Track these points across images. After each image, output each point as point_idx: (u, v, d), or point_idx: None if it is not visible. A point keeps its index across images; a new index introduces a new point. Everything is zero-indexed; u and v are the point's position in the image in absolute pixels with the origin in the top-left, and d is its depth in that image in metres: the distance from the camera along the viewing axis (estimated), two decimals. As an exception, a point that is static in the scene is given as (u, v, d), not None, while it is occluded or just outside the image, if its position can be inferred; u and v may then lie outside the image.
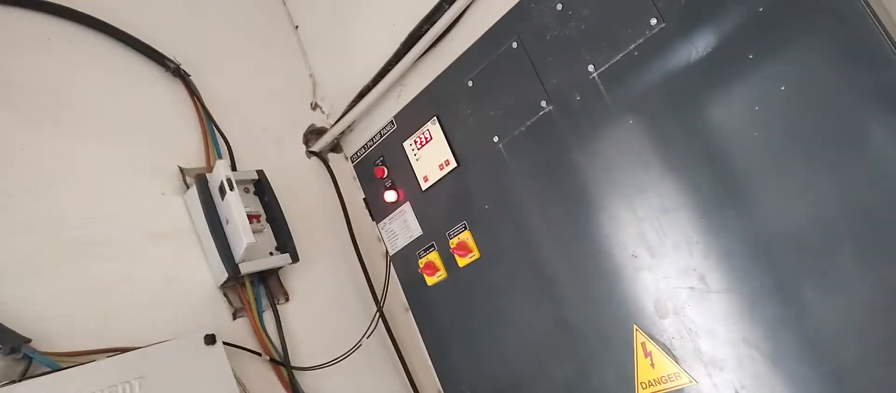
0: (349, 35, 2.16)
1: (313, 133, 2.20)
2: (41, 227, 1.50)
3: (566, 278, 1.30)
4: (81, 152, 1.64)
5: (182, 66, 1.91)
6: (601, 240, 1.23)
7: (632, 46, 1.13)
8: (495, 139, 1.37)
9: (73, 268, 1.50)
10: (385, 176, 1.62)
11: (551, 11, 1.24)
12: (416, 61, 1.86)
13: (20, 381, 1.26)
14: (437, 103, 1.48)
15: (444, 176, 1.48)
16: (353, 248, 2.07)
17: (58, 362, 1.33)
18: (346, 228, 2.09)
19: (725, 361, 1.12)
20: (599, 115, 1.19)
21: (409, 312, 2.14)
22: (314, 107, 2.25)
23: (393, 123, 1.59)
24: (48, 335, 1.38)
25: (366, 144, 1.67)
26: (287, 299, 1.87)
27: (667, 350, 1.18)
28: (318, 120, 2.23)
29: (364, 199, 1.69)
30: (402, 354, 2.01)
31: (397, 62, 1.93)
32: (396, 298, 2.13)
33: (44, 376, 1.27)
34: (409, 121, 1.55)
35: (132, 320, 1.54)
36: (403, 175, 1.58)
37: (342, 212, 2.10)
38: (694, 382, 1.16)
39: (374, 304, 2.01)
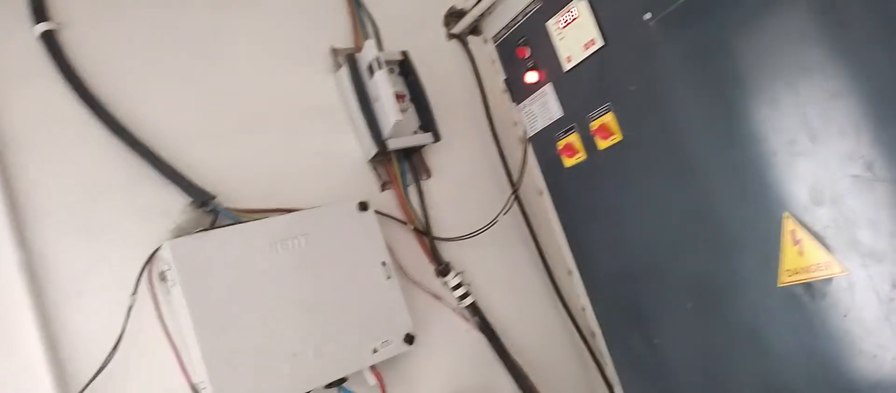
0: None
1: (453, 15, 2.21)
2: (215, 101, 1.68)
3: (713, 163, 1.27)
4: (245, 34, 1.80)
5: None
6: (757, 124, 1.18)
7: None
8: (647, 16, 1.31)
9: (243, 137, 1.69)
10: (527, 56, 1.62)
11: None
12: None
13: (211, 228, 1.47)
14: (586, -21, 1.43)
15: (589, 56, 1.46)
16: (490, 130, 2.12)
17: (238, 217, 1.53)
18: (484, 111, 2.14)
19: (885, 253, 1.06)
20: (773, -11, 1.11)
21: (543, 195, 2.20)
22: (455, -12, 2.25)
23: (537, 2, 1.57)
24: (227, 193, 1.58)
25: (508, 25, 1.66)
26: (429, 176, 1.99)
27: (819, 239, 1.14)
28: (459, 1, 2.24)
29: (505, 79, 1.71)
30: (535, 233, 2.09)
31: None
32: (531, 181, 2.18)
33: (230, 226, 1.47)
34: (554, -1, 1.52)
35: (294, 187, 1.72)
36: (546, 56, 1.57)
37: (480, 95, 2.14)
38: (846, 272, 1.12)
39: (509, 185, 2.08)
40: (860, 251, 1.09)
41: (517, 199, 2.06)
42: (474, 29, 2.22)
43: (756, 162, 1.20)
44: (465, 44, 2.18)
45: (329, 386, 1.49)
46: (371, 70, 1.75)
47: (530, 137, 1.67)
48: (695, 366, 1.42)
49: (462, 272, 1.91)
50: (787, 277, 1.20)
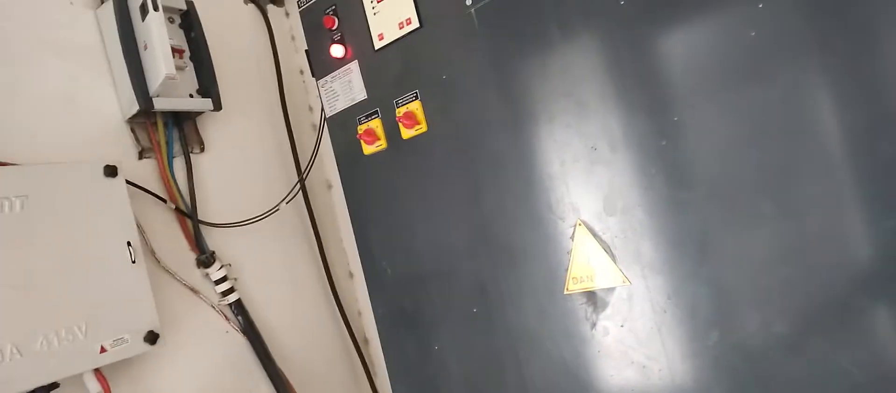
0: None
1: (254, -21, 1.98)
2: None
3: (515, 164, 1.23)
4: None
5: None
6: (562, 128, 1.17)
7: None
8: (468, 2, 1.25)
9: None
10: (335, 27, 1.46)
11: None
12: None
13: None
14: (408, -47, 1.33)
15: (403, 36, 1.35)
16: (281, 110, 1.92)
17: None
18: (277, 88, 1.93)
19: (664, 265, 1.10)
20: (589, -11, 1.10)
21: (333, 189, 2.04)
22: (260, -49, 2.02)
23: (353, -31, 1.43)
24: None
25: (318, -11, 1.49)
26: (202, 149, 1.71)
27: (607, 248, 1.15)
28: (261, -35, 2.01)
29: (306, 50, 1.53)
30: (318, 229, 1.92)
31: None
32: (321, 174, 2.02)
33: None
34: (372, -31, 1.39)
35: (21, 137, 1.35)
36: (356, 30, 1.43)
37: (275, 69, 1.93)
38: (627, 283, 1.14)
39: (296, 172, 1.88)
40: (642, 262, 1.12)
41: (303, 188, 1.87)
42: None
43: (556, 166, 1.18)
44: (263, 11, 1.96)
45: (33, 393, 1.14)
46: (144, 10, 1.44)
47: (328, 118, 1.50)
48: (471, 372, 1.36)
49: (228, 265, 1.66)
50: (574, 284, 1.19)
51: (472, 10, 1.25)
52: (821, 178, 0.94)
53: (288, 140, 1.93)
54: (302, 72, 2.07)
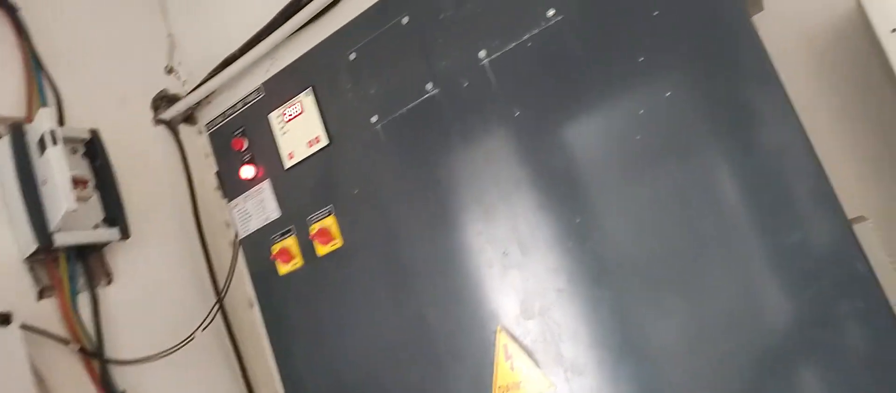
0: (218, -1, 1.97)
1: (164, 99, 1.96)
2: None
3: (432, 273, 1.23)
4: None
5: (9, -3, 1.62)
6: (473, 235, 1.18)
7: (526, 36, 1.10)
8: (374, 119, 1.27)
9: None
10: (244, 149, 1.46)
11: (448, -10, 1.18)
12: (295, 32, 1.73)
13: None
14: (314, 74, 1.36)
15: (313, 154, 1.36)
16: (196, 230, 1.86)
17: None
18: (191, 208, 1.88)
19: (586, 365, 1.10)
20: (486, 104, 1.15)
21: (254, 307, 1.97)
22: (169, 71, 2.02)
23: (260, 91, 1.44)
24: None
25: (225, 112, 1.50)
26: (109, 281, 1.63)
27: (528, 353, 1.15)
28: (173, 86, 2.00)
29: (217, 173, 1.51)
30: (241, 352, 1.83)
31: (272, 31, 1.78)
32: (240, 291, 1.94)
33: None
34: (279, 90, 1.41)
35: None
36: (265, 150, 1.43)
37: (188, 190, 1.89)
38: (553, 387, 1.13)
39: (213, 293, 1.81)
40: (564, 365, 1.12)
41: (222, 310, 1.80)
42: (189, 117, 2.00)
43: (473, 273, 1.19)
44: (175, 132, 1.93)
45: None
46: (42, 145, 1.40)
47: (242, 240, 1.47)
48: None
49: (136, 407, 1.55)
50: (501, 393, 1.17)
51: (379, 126, 1.27)
52: (718, 264, 0.97)
53: (204, 261, 1.86)
54: (217, 189, 2.04)
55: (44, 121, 1.40)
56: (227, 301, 1.80)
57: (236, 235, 1.53)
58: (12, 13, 1.62)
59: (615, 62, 1.03)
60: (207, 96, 1.98)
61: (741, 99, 0.94)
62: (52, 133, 1.40)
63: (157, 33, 2.05)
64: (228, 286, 1.78)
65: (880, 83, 1.13)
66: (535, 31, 1.10)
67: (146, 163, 1.84)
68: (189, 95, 1.95)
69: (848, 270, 0.86)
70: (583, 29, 1.06)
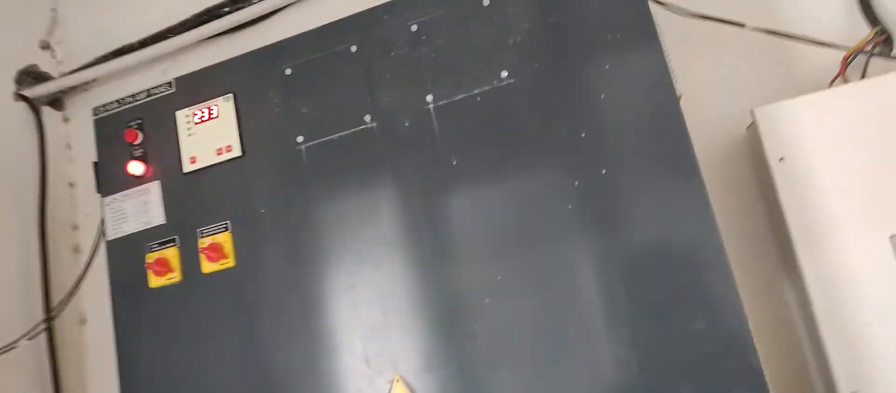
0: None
1: (31, 75, 1.74)
2: None
3: (333, 310, 1.15)
4: None
5: None
6: (388, 277, 1.14)
7: (476, 91, 1.13)
8: (300, 139, 1.21)
9: None
10: (136, 142, 1.31)
11: (404, 30, 1.19)
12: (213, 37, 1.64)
13: None
14: (239, 80, 1.28)
15: (220, 162, 1.25)
16: (37, 227, 1.62)
17: None
18: (38, 201, 1.64)
19: (481, 427, 1.08)
20: (425, 146, 1.14)
21: (85, 324, 1.72)
22: (45, 47, 1.81)
23: (170, 86, 1.32)
24: None
25: (123, 99, 1.34)
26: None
27: (424, 408, 1.10)
28: (46, 63, 1.78)
29: (95, 163, 1.33)
30: (60, 377, 1.57)
31: (182, 32, 1.68)
32: (72, 305, 1.69)
33: None
34: (193, 89, 1.30)
35: None
36: (163, 148, 1.29)
37: (39, 180, 1.65)
38: (443, 447, 1.09)
39: (41, 300, 1.56)
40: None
41: (49, 323, 1.54)
42: (55, 101, 1.78)
43: (379, 317, 1.13)
44: (37, 112, 1.71)
45: None
46: None
47: (110, 241, 1.29)
48: None
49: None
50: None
51: (303, 147, 1.21)
52: (625, 341, 1.02)
53: (39, 262, 1.61)
54: (72, 185, 1.79)
55: None
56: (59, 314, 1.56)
57: (101, 238, 1.34)
58: None
59: (559, 132, 1.09)
60: (86, 83, 1.79)
61: (667, 188, 1.02)
62: None
63: (39, 3, 1.83)
64: (70, 299, 1.53)
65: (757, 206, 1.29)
66: (487, 88, 1.13)
67: (-4, 138, 1.59)
68: (66, 77, 1.75)
69: (743, 361, 0.94)
70: (532, 95, 1.11)
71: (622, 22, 1.10)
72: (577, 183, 1.07)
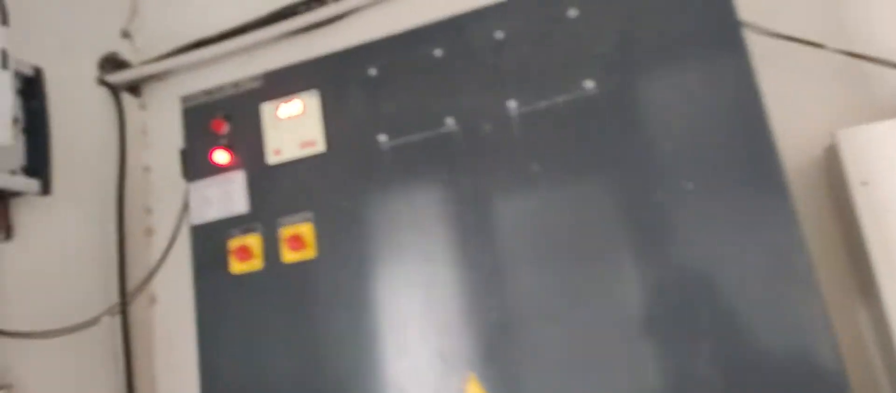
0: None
1: (112, 62, 1.81)
2: None
3: (413, 307, 1.19)
4: None
5: None
6: (470, 281, 1.17)
7: (560, 99, 1.16)
8: (383, 138, 1.25)
9: None
10: (223, 133, 1.36)
11: (488, 36, 1.22)
12: (291, 35, 1.69)
13: None
14: (325, 78, 1.32)
15: (304, 157, 1.30)
16: (115, 208, 1.69)
17: None
18: (116, 184, 1.71)
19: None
20: (506, 152, 1.17)
21: (155, 304, 1.78)
22: (125, 35, 1.87)
23: (259, 80, 1.37)
24: None
25: (209, 90, 1.40)
26: (7, 237, 1.41)
27: (501, 397, 1.13)
28: (126, 51, 1.85)
29: (182, 151, 1.39)
30: (131, 354, 1.64)
31: (258, 27, 1.73)
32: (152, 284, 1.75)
33: None
34: (280, 84, 1.35)
35: None
36: (248, 139, 1.34)
37: (118, 163, 1.72)
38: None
39: (117, 279, 1.62)
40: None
41: (124, 303, 1.60)
42: (133, 87, 1.85)
43: (455, 316, 1.16)
44: (117, 97, 1.77)
45: None
46: (-11, 65, 1.22)
47: (195, 226, 1.34)
48: None
49: (9, 387, 1.33)
50: (457, 441, 1.14)
51: (386, 146, 1.25)
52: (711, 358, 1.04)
53: (116, 243, 1.67)
54: (146, 169, 1.86)
55: None
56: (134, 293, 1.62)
57: (180, 223, 1.40)
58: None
59: (643, 144, 1.11)
60: (162, 73, 1.85)
61: (755, 204, 1.04)
62: (4, 55, 1.23)
63: (122, -7, 1.90)
64: (151, 278, 1.60)
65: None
66: (570, 97, 1.15)
67: (78, 121, 1.65)
68: (146, 65, 1.81)
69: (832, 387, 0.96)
70: (616, 107, 1.13)
71: (711, 38, 1.11)
72: (660, 196, 1.09)
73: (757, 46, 1.30)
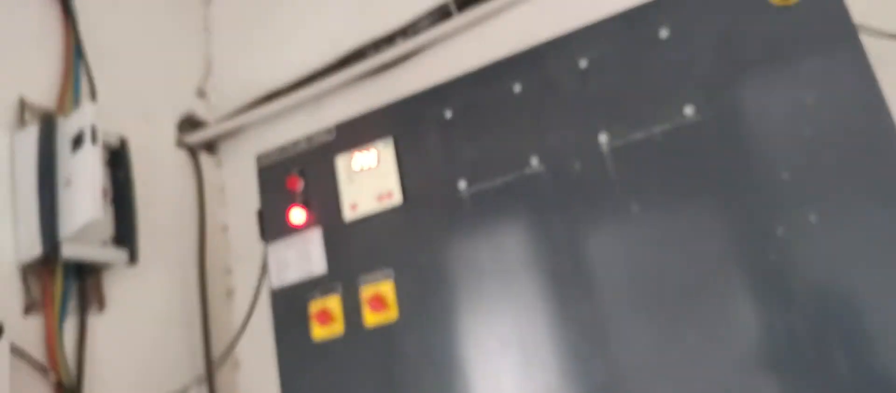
0: (272, 32, 1.88)
1: (189, 122, 1.83)
2: None
3: (503, 370, 1.09)
4: None
5: (66, -20, 1.49)
6: (569, 336, 1.06)
7: (657, 129, 1.04)
8: (462, 185, 1.17)
9: None
10: (298, 190, 1.32)
11: (571, 66, 1.12)
12: (360, 79, 1.65)
13: None
14: (399, 125, 1.26)
15: (381, 210, 1.24)
16: (197, 272, 1.68)
17: None
18: (197, 247, 1.71)
19: None
20: (600, 192, 1.06)
21: (239, 368, 1.76)
22: (201, 94, 1.89)
23: (331, 132, 1.33)
24: None
25: (284, 147, 1.37)
26: (101, 308, 1.42)
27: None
28: (201, 109, 1.87)
29: (259, 211, 1.36)
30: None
31: (325, 76, 1.71)
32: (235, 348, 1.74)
33: None
34: (353, 134, 1.30)
35: None
36: (324, 195, 1.30)
37: (198, 225, 1.72)
38: None
39: (202, 344, 1.61)
40: None
41: (210, 369, 1.59)
42: (210, 146, 1.86)
43: (557, 378, 1.06)
44: (195, 158, 1.79)
45: None
46: (78, 142, 1.24)
47: (275, 290, 1.31)
48: None
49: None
50: None
51: (466, 193, 1.17)
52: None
53: (199, 306, 1.67)
54: (225, 229, 1.86)
55: (87, 116, 1.25)
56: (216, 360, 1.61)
57: (261, 285, 1.37)
58: (65, -2, 1.48)
59: (756, 174, 0.97)
60: (235, 130, 1.86)
61: (891, 236, 0.89)
62: (94, 130, 1.25)
63: (196, 52, 1.93)
64: (236, 343, 1.58)
65: None
66: (669, 127, 1.04)
67: (159, 186, 1.67)
68: (221, 124, 1.82)
69: None
70: (723, 133, 1.00)
71: (824, 48, 0.97)
72: (780, 231, 0.95)
73: (872, 50, 1.14)
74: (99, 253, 1.33)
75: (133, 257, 1.41)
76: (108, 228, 1.41)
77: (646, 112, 1.06)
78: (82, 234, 1.26)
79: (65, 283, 1.32)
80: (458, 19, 1.53)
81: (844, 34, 0.97)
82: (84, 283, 1.38)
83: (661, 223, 1.02)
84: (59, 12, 1.47)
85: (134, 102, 1.66)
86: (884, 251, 0.90)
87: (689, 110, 1.03)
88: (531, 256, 1.10)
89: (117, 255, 1.38)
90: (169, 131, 1.77)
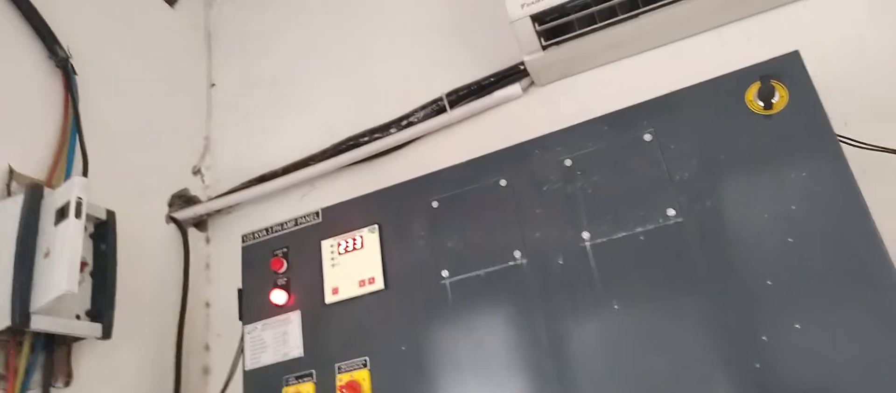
0: (270, 117, 1.93)
1: (182, 198, 1.84)
2: None
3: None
4: None
5: (72, 61, 1.54)
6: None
7: (639, 229, 1.05)
8: (445, 274, 1.17)
9: None
10: (281, 271, 1.31)
11: (556, 164, 1.14)
12: (352, 165, 1.68)
13: None
14: (386, 211, 1.27)
15: (362, 295, 1.22)
16: (174, 348, 1.64)
17: None
18: (177, 322, 1.67)
19: None
20: (581, 287, 1.06)
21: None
22: (196, 172, 1.91)
23: (317, 215, 1.33)
24: None
25: (271, 227, 1.37)
26: (67, 383, 1.38)
27: None
28: (195, 187, 1.89)
29: (239, 290, 1.35)
30: None
31: (320, 161, 1.73)
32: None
33: None
34: (340, 219, 1.30)
35: None
36: (306, 278, 1.29)
37: (180, 300, 1.70)
38: None
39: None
40: None
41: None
42: (200, 222, 1.86)
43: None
44: (184, 233, 1.78)
45: None
46: (61, 214, 1.24)
47: (248, 371, 1.27)
48: None
49: None
50: None
51: (448, 282, 1.16)
52: None
53: (173, 383, 1.62)
54: (207, 305, 1.84)
55: (75, 189, 1.25)
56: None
57: (235, 366, 1.33)
58: (68, 74, 1.53)
59: (739, 279, 0.97)
60: (228, 207, 1.86)
61: (879, 346, 0.87)
62: (79, 203, 1.25)
63: (194, 132, 1.97)
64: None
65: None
66: (651, 227, 1.04)
67: (146, 259, 1.66)
68: (213, 201, 1.83)
69: None
70: (705, 237, 1.01)
71: (806, 156, 0.99)
72: (765, 338, 0.93)
73: (853, 160, 1.17)
74: (70, 326, 1.31)
75: (107, 332, 1.38)
76: (84, 300, 1.38)
77: (628, 212, 1.06)
78: (55, 306, 1.23)
79: (32, 355, 1.28)
80: (451, 114, 1.58)
81: (826, 143, 1.00)
82: (51, 356, 1.34)
83: (643, 321, 1.01)
84: (61, 88, 1.51)
85: (127, 178, 1.68)
86: (870, 360, 0.88)
87: (671, 211, 1.04)
88: (511, 349, 1.08)
89: (90, 329, 1.35)
90: (160, 206, 1.78)
